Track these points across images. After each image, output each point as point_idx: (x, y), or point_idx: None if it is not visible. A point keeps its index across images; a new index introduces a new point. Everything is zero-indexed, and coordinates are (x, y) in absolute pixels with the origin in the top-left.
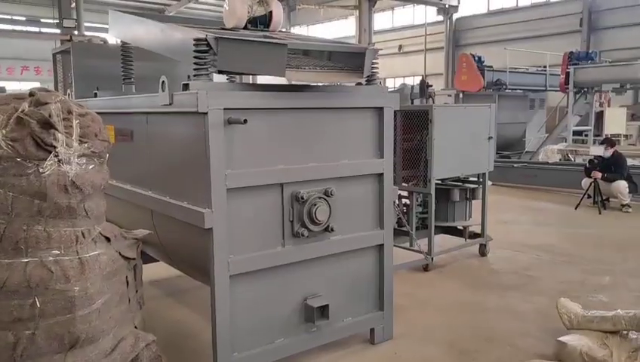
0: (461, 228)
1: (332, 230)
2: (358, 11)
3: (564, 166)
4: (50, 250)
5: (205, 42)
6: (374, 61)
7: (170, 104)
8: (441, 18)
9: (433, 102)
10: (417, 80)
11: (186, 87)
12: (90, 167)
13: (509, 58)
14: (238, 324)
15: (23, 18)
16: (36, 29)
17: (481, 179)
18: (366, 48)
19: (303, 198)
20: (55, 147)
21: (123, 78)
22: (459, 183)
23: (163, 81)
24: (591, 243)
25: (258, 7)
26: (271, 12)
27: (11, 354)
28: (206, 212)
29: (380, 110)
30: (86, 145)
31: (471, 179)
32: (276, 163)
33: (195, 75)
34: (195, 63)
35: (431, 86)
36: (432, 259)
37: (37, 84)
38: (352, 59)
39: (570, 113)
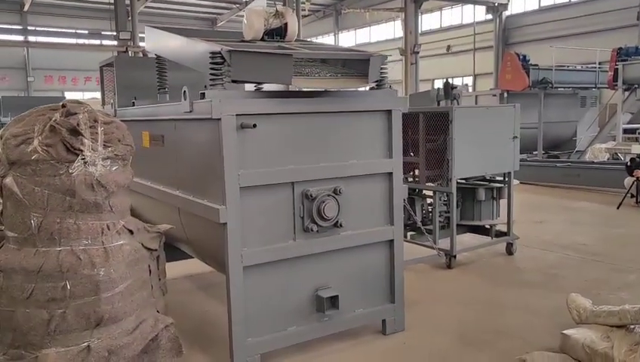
0: (488, 226)
1: (341, 226)
2: (404, 13)
3: (608, 165)
4: (80, 240)
5: (220, 55)
6: (383, 66)
7: (190, 111)
8: (490, 17)
9: (458, 104)
10: (467, 80)
11: (202, 95)
12: (114, 168)
13: (561, 56)
14: (252, 312)
15: (86, 31)
16: (98, 42)
17: (506, 179)
18: (371, 55)
19: (312, 196)
20: (82, 151)
21: (158, 88)
22: (485, 182)
23: (185, 91)
24: (625, 243)
25: (274, 19)
26: (286, 24)
27: (46, 329)
28: (221, 208)
29: (388, 113)
30: (110, 149)
31: (498, 178)
32: (287, 163)
33: (211, 85)
34: (211, 74)
35: (456, 87)
36: (455, 256)
37: (98, 94)
38: (361, 66)
39: (620, 111)
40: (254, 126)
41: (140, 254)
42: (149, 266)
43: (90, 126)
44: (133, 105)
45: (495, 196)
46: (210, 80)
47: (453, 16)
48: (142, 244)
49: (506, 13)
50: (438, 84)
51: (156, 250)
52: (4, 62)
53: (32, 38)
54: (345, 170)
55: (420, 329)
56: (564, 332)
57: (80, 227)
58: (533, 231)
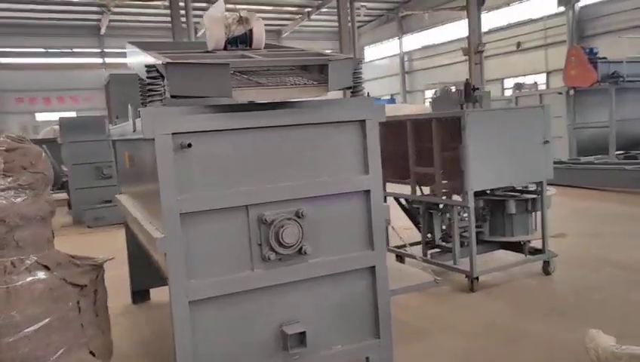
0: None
1: (305, 253)
2: (466, 12)
3: None
4: None
5: (155, 68)
6: (357, 71)
7: (134, 131)
8: (562, 9)
9: (480, 107)
10: (539, 78)
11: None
12: (19, 199)
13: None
14: (204, 353)
15: None
16: None
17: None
18: (328, 59)
19: (267, 221)
20: None
21: (141, 104)
22: (516, 194)
23: (129, 109)
24: None
25: (237, 26)
26: (251, 30)
27: None
28: (158, 238)
29: (362, 123)
30: (11, 178)
31: (532, 188)
32: (239, 184)
33: (148, 101)
34: (148, 90)
35: (477, 88)
36: (477, 278)
37: None
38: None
39: None
40: (189, 146)
41: (61, 291)
42: (78, 303)
43: None
44: (115, 124)
45: (529, 208)
46: (148, 95)
47: (522, 11)
48: (64, 280)
49: (580, 4)
50: (508, 83)
51: (86, 285)
52: (90, 84)
53: (108, 60)
54: (310, 190)
55: None
56: None
57: None
58: (584, 244)
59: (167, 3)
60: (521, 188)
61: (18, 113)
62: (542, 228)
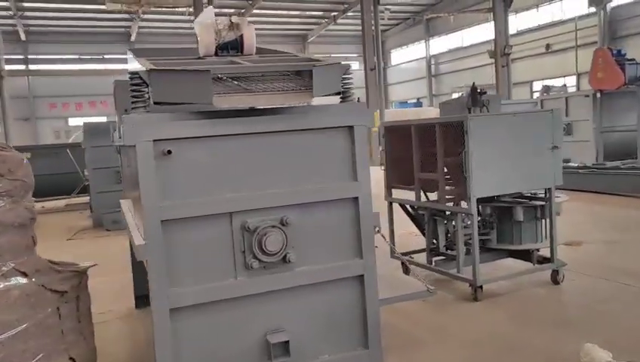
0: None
1: (290, 261)
2: (492, 14)
3: None
4: None
5: (138, 75)
6: (346, 77)
7: (120, 138)
8: (593, 10)
9: (488, 111)
10: (569, 80)
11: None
12: None
13: None
14: (186, 360)
15: None
16: None
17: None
18: (313, 65)
19: (250, 228)
20: None
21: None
22: (524, 200)
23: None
24: None
25: (228, 32)
26: (242, 36)
27: None
28: (140, 245)
29: (350, 129)
30: None
31: (539, 195)
32: (223, 191)
33: (132, 108)
34: (132, 96)
35: (484, 93)
36: (482, 287)
37: None
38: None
39: None
40: (169, 152)
41: (39, 297)
42: (58, 309)
43: None
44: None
45: (538, 216)
46: (132, 102)
47: (551, 12)
48: (43, 286)
49: (612, 4)
50: (537, 86)
51: (66, 291)
52: None
53: None
54: (296, 197)
55: None
56: None
57: None
58: (599, 253)
59: (192, 9)
60: (530, 194)
61: (51, 118)
62: (550, 236)
